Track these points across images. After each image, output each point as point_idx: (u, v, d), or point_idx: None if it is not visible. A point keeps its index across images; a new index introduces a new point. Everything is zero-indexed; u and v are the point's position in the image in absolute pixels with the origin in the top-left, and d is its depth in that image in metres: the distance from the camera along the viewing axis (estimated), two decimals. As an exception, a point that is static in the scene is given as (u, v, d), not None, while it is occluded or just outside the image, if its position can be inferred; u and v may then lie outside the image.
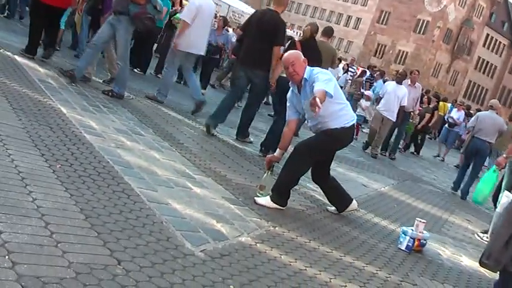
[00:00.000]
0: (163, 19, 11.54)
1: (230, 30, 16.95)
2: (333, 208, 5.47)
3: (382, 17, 66.15)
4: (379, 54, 64.67)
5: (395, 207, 7.01)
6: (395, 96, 11.47)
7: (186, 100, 9.35)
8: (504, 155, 7.40)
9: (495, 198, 7.79)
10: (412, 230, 5.06)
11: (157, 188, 4.14)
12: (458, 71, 63.18)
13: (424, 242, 5.18)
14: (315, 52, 7.35)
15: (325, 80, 4.67)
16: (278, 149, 5.15)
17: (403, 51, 62.95)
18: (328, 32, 9.42)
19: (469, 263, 5.43)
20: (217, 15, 20.05)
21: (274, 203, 4.80)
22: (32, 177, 3.43)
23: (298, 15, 75.83)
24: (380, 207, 6.60)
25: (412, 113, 13.19)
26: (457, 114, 17.38)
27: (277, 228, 4.27)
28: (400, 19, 63.54)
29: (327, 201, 5.53)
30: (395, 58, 62.92)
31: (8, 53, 7.77)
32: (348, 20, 70.20)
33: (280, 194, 4.86)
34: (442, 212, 7.63)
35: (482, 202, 7.75)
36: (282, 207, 4.84)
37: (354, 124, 5.14)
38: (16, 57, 7.62)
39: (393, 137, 12.86)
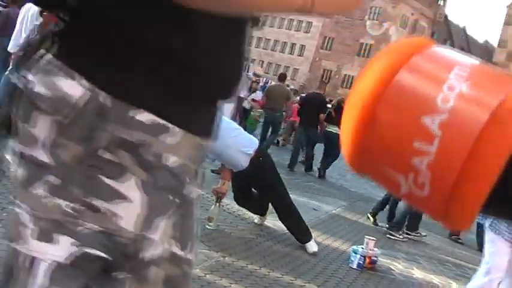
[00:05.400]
0: None
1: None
2: (258, 216, 5.69)
3: (326, 42, 67.70)
4: (326, 79, 65.80)
5: (347, 227, 7.07)
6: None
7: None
8: None
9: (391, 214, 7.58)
10: (363, 248, 5.13)
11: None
12: (405, 91, 64.79)
13: (375, 259, 5.25)
14: None
15: None
16: (221, 180, 5.18)
17: (349, 75, 64.34)
18: (281, 78, 12.24)
19: (421, 275, 5.53)
20: None
21: (307, 242, 5.15)
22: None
23: (243, 46, 76.72)
24: (331, 229, 6.64)
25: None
26: None
27: (226, 258, 4.28)
28: (343, 44, 65.13)
29: (266, 223, 5.72)
30: (341, 83, 64.23)
31: None
32: (292, 48, 71.55)
33: (302, 232, 5.20)
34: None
35: None
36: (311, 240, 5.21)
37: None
38: None
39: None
